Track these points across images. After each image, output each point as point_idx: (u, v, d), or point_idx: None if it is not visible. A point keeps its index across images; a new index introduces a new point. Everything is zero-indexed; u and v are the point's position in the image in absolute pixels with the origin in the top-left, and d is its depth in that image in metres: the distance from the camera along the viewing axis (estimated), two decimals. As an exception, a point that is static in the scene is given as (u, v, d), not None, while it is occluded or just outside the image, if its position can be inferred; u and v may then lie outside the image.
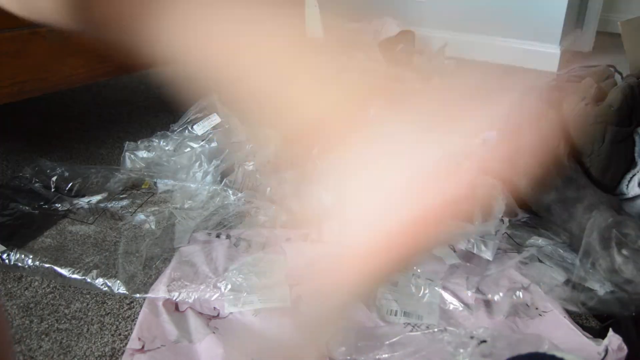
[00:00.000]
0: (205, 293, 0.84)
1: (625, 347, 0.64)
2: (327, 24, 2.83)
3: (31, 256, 0.91)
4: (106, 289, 0.86)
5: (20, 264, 0.90)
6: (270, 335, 0.77)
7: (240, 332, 0.78)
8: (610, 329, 0.68)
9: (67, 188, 1.13)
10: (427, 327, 0.74)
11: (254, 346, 0.75)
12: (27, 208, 1.06)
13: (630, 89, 1.11)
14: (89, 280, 0.87)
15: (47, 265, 0.90)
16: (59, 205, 1.08)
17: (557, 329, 0.75)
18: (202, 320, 0.79)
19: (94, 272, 0.88)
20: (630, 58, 1.68)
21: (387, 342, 0.72)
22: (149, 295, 0.83)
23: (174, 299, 0.83)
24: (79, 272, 0.89)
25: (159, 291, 0.83)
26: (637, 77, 1.18)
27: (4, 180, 1.14)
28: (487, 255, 0.85)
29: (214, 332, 0.76)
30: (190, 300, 0.83)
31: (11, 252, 0.91)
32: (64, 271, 0.89)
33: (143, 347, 0.73)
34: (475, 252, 0.86)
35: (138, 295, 0.85)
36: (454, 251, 0.89)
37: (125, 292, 0.85)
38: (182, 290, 0.84)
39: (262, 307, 0.81)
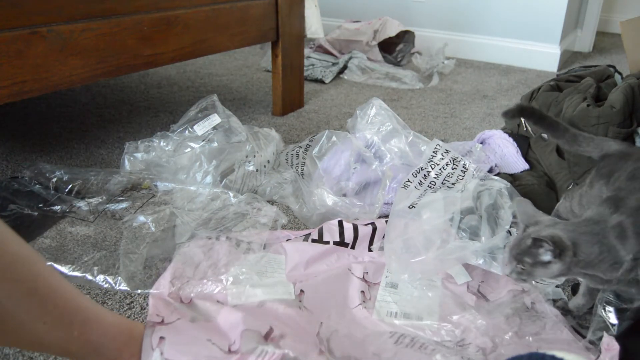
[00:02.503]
0: (207, 287, 0.83)
1: (615, 345, 0.64)
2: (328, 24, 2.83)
3: None
4: (107, 285, 0.86)
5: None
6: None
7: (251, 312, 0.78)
8: (605, 333, 0.69)
9: (66, 190, 1.13)
10: (412, 340, 0.74)
11: (269, 317, 0.75)
12: (26, 209, 1.06)
13: (631, 89, 1.11)
14: (89, 277, 0.87)
15: (47, 264, 0.90)
16: (58, 206, 1.08)
17: (557, 333, 0.75)
18: (211, 302, 0.79)
19: (95, 269, 0.88)
20: (630, 58, 1.69)
21: (372, 351, 0.73)
22: (152, 290, 0.83)
23: (178, 292, 0.82)
24: (79, 270, 0.88)
25: (161, 286, 0.83)
26: (637, 77, 1.18)
27: (3, 182, 1.14)
28: (498, 270, 0.84)
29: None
30: (193, 295, 0.82)
31: None
32: (64, 269, 0.89)
33: (163, 320, 0.73)
34: (484, 268, 0.85)
35: (139, 290, 0.85)
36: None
37: (126, 288, 0.85)
38: (185, 286, 0.83)
39: (266, 298, 0.81)
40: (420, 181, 1.06)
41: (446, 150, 1.13)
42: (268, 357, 0.64)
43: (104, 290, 0.87)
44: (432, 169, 1.09)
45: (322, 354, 0.72)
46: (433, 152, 1.12)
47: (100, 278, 0.87)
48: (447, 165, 1.10)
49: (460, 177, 1.08)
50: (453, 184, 1.07)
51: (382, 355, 0.71)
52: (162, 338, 0.67)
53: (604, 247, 0.70)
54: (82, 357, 0.60)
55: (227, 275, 0.85)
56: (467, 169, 1.10)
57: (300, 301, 0.82)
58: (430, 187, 1.06)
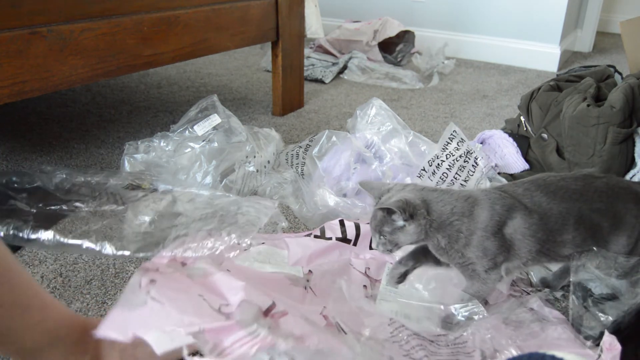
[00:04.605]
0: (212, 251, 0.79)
1: (617, 345, 0.64)
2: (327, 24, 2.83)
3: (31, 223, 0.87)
4: (106, 251, 0.83)
5: (19, 234, 0.86)
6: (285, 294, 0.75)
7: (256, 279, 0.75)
8: (606, 331, 0.69)
9: (66, 190, 1.12)
10: (407, 337, 0.73)
11: (274, 290, 0.72)
12: (25, 207, 1.06)
13: (631, 90, 1.11)
14: (88, 244, 0.84)
15: (48, 236, 0.85)
16: (59, 206, 1.08)
17: (557, 333, 0.75)
18: (214, 260, 0.75)
19: (94, 236, 0.85)
20: (630, 58, 1.69)
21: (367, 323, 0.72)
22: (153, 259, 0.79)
23: (180, 254, 0.77)
24: (77, 237, 0.85)
25: (162, 255, 0.77)
26: (637, 77, 1.18)
27: (3, 179, 1.14)
28: (502, 288, 0.84)
29: (228, 270, 0.71)
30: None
31: (9, 227, 0.87)
32: (61, 238, 0.85)
33: (158, 269, 0.68)
34: None
35: (142, 254, 0.82)
36: None
37: (127, 252, 0.82)
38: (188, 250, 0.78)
39: (275, 271, 0.80)
40: (434, 171, 1.06)
41: (462, 139, 1.12)
42: (259, 340, 0.60)
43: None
44: (447, 158, 1.08)
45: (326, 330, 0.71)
46: (449, 138, 1.11)
47: (100, 245, 0.83)
48: (460, 157, 1.09)
49: (471, 173, 1.08)
50: (465, 180, 1.07)
51: (377, 336, 0.71)
52: (152, 281, 0.62)
53: (456, 209, 0.72)
54: (35, 353, 0.56)
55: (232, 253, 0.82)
56: (477, 165, 1.09)
57: (307, 281, 0.81)
58: (442, 179, 1.05)
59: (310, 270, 0.84)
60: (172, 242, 0.82)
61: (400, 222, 0.71)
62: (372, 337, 0.71)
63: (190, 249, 0.79)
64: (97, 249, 0.83)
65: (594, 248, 0.75)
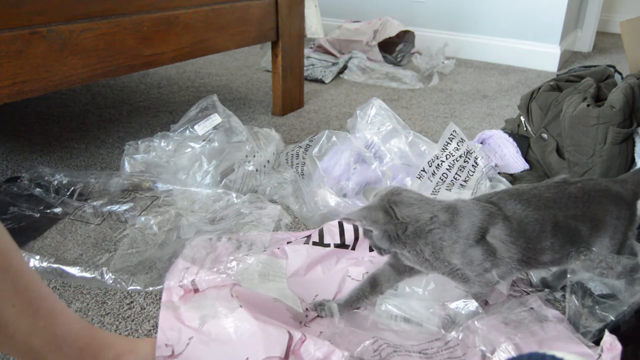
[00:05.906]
0: (217, 276, 0.81)
1: (618, 345, 0.64)
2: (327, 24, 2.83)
3: (38, 257, 0.90)
4: (118, 285, 0.86)
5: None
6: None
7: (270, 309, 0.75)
8: (606, 330, 0.69)
9: (68, 192, 1.12)
10: (388, 354, 0.74)
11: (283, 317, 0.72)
12: (27, 212, 1.06)
13: (631, 90, 1.11)
14: (98, 277, 0.87)
15: (54, 266, 0.89)
16: (60, 209, 1.08)
17: (557, 333, 0.75)
18: (225, 292, 0.74)
19: (104, 269, 0.88)
20: (630, 58, 1.68)
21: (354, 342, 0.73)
22: (164, 284, 0.80)
23: (190, 282, 0.80)
24: (88, 271, 0.88)
25: (173, 276, 0.80)
26: (637, 77, 1.18)
27: (1, 186, 1.13)
28: (503, 289, 0.84)
29: (241, 306, 0.70)
30: (205, 285, 0.80)
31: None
32: (73, 270, 0.89)
33: (173, 352, 0.68)
34: None
35: (151, 288, 0.85)
36: None
37: (138, 287, 0.86)
38: (196, 276, 0.81)
39: (280, 297, 0.80)
40: (434, 171, 1.05)
41: (462, 139, 1.12)
42: None
43: (103, 290, 0.87)
44: (447, 159, 1.08)
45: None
46: (449, 138, 1.11)
47: (109, 277, 0.87)
48: (460, 157, 1.09)
49: (471, 173, 1.08)
50: (465, 180, 1.07)
51: (363, 357, 0.71)
52: None
53: (436, 219, 0.72)
54: (42, 357, 0.56)
55: (234, 269, 0.84)
56: (477, 165, 1.09)
57: (306, 316, 0.81)
58: (442, 179, 1.05)
59: (307, 308, 0.83)
60: (177, 267, 0.84)
61: (368, 228, 0.73)
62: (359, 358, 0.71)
63: (197, 274, 0.81)
64: (112, 284, 0.87)
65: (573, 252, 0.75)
